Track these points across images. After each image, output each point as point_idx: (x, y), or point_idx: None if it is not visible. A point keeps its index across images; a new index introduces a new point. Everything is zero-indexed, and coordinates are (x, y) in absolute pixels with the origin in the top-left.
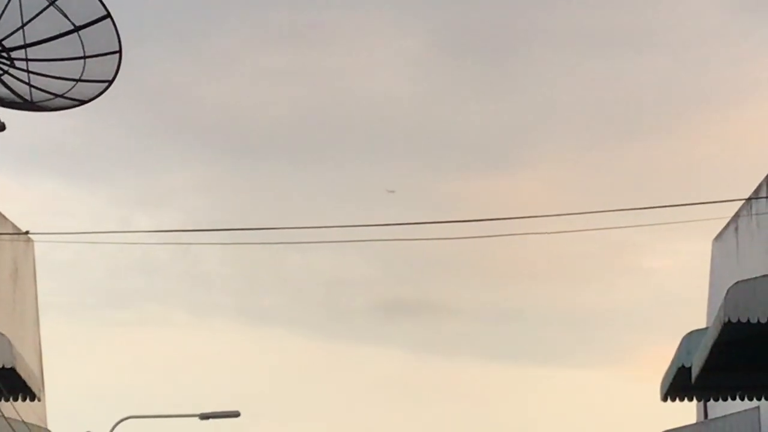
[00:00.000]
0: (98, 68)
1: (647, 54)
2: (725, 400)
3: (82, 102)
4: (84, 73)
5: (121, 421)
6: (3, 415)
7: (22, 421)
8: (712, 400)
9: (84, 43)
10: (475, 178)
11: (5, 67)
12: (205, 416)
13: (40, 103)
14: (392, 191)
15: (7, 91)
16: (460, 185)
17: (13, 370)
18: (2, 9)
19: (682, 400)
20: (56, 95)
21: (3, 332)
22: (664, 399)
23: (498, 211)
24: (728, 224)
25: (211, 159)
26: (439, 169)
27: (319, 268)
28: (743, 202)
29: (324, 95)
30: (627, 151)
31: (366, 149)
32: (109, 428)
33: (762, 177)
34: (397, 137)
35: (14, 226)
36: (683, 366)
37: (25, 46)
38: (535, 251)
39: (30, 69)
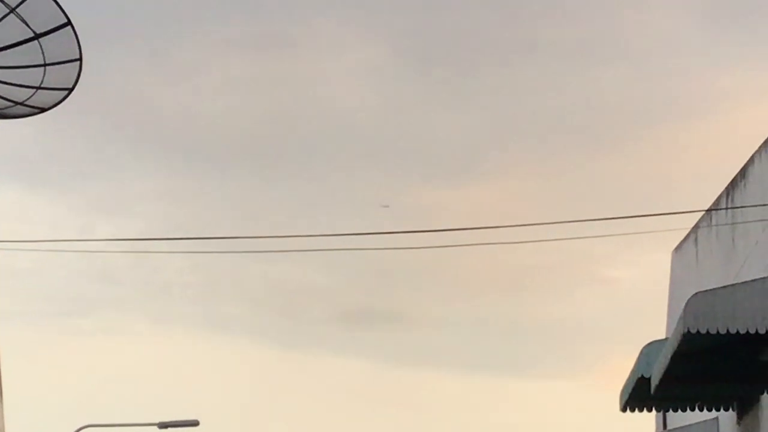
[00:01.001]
0: (59, 76)
1: (609, 65)
2: (684, 410)
3: (43, 110)
4: (44, 81)
5: (80, 429)
6: None
7: None
8: (671, 411)
9: (44, 51)
10: (439, 188)
11: None
12: (163, 425)
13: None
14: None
15: None
16: (423, 195)
17: None
18: None
19: (641, 410)
20: (16, 103)
21: None
22: (624, 409)
23: (461, 221)
24: (688, 235)
25: (173, 167)
26: (402, 178)
27: (281, 278)
28: (703, 213)
29: (287, 104)
30: (589, 161)
31: (329, 159)
32: None
33: (722, 188)
34: (360, 147)
35: None
36: (642, 376)
37: None
38: (498, 262)
39: None
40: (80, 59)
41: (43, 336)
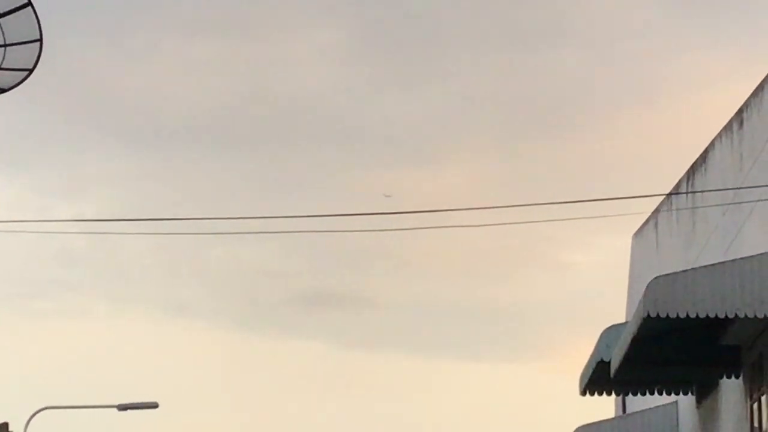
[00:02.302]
0: (18, 56)
1: (571, 49)
2: (644, 394)
3: (2, 90)
4: (3, 62)
5: (38, 411)
6: None
7: None
8: (630, 395)
9: (4, 31)
10: (397, 171)
11: None
12: (123, 407)
13: None
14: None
15: None
16: (382, 178)
17: None
18: None
19: (600, 394)
20: None
21: None
22: (583, 393)
23: (420, 204)
24: (648, 220)
25: (132, 149)
26: (361, 161)
27: (240, 260)
28: (663, 197)
29: (246, 86)
30: (549, 145)
31: (288, 141)
32: (26, 419)
33: (682, 173)
34: (319, 129)
35: None
36: (602, 360)
37: None
38: (458, 245)
39: None
40: (41, 40)
41: (0, 318)
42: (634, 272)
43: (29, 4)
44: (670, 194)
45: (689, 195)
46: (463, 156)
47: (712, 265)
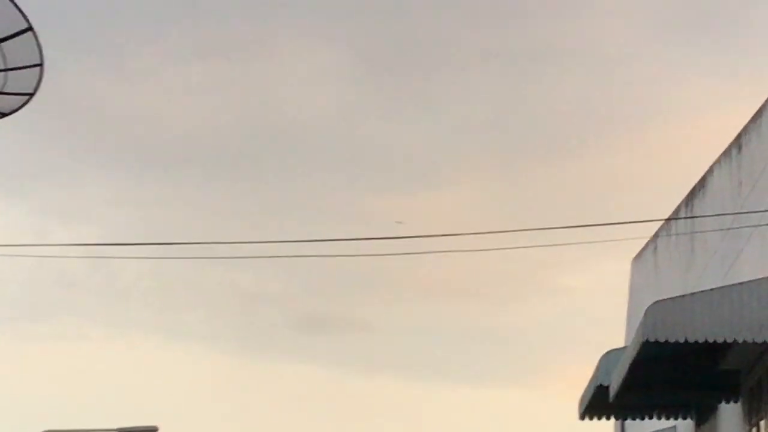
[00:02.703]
0: (19, 81)
1: (568, 73)
2: (643, 419)
3: (3, 114)
4: (5, 86)
5: None
6: None
7: None
8: (630, 419)
9: (5, 56)
10: (396, 195)
11: None
12: (123, 431)
13: None
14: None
15: None
16: (381, 202)
17: None
18: None
19: (600, 418)
20: None
21: None
22: (582, 418)
23: (420, 229)
24: (647, 244)
25: (131, 173)
26: (359, 185)
27: (239, 284)
28: (662, 222)
29: (245, 109)
30: (549, 170)
31: (288, 164)
32: None
33: (681, 198)
34: (318, 152)
35: None
36: (601, 385)
37: None
38: (455, 269)
39: None
40: (41, 64)
41: None
42: (633, 297)
43: (30, 28)
44: (669, 219)
45: (688, 220)
46: (463, 180)
47: (711, 289)
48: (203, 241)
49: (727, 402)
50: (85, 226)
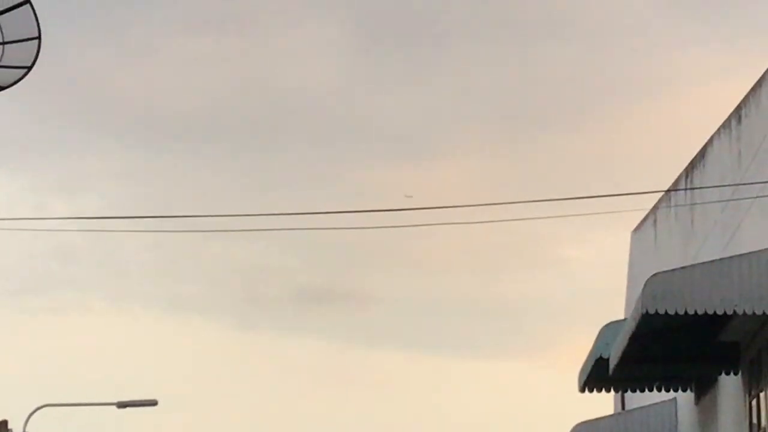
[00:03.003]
0: (17, 54)
1: (570, 44)
2: (642, 391)
3: (1, 88)
4: (2, 59)
5: (38, 409)
6: None
7: None
8: (629, 391)
9: (2, 29)
10: (395, 167)
11: None
12: (122, 405)
13: None
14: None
15: None
16: (380, 175)
17: None
18: None
19: (600, 391)
20: None
21: None
22: (582, 390)
23: (420, 201)
24: (647, 216)
25: (130, 146)
26: (358, 158)
27: (238, 257)
28: (662, 194)
29: (243, 83)
30: (547, 141)
31: (287, 137)
32: (25, 417)
33: (681, 169)
34: (317, 125)
35: None
36: (601, 357)
37: None
38: (455, 241)
39: None
40: (39, 37)
41: None
42: (633, 269)
43: (28, 1)
44: (668, 191)
45: (688, 191)
46: (462, 152)
47: (711, 261)
48: (202, 214)
49: (727, 374)
50: (84, 199)
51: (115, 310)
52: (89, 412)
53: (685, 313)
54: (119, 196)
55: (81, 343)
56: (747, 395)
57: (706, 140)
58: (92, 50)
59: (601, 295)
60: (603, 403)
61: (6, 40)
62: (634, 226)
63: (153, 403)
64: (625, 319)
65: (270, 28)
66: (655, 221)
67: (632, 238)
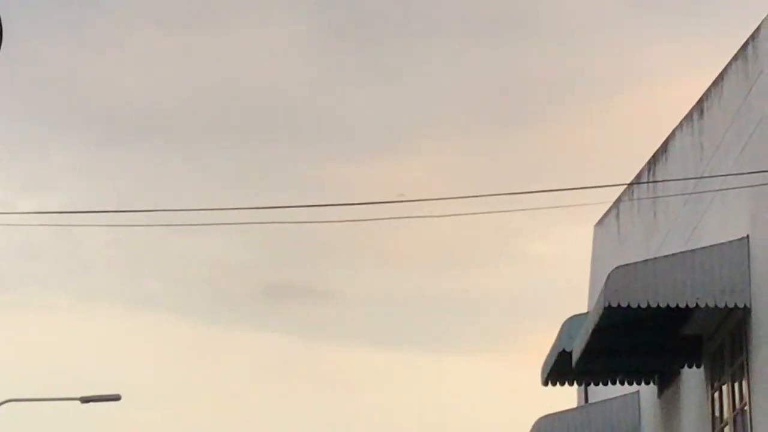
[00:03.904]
0: None
1: (532, 39)
2: (605, 384)
3: None
4: None
5: (1, 404)
6: None
7: None
8: (592, 385)
9: None
10: (361, 162)
11: None
12: (86, 400)
13: None
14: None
15: None
16: (345, 169)
17: None
18: None
19: (563, 384)
20: None
21: None
22: (545, 383)
23: (384, 196)
24: (610, 209)
25: (95, 142)
26: (324, 153)
27: (204, 253)
28: (625, 187)
29: (209, 78)
30: (511, 136)
31: (252, 132)
32: None
33: (644, 162)
34: (282, 121)
35: None
36: (564, 350)
37: None
38: (421, 236)
39: None
40: (0, 31)
41: None
42: (595, 262)
43: None
44: (631, 184)
45: (650, 185)
46: (427, 147)
47: (673, 254)
48: (167, 208)
49: (690, 367)
50: (48, 195)
51: (79, 305)
52: (53, 407)
53: (648, 306)
54: (84, 193)
55: (45, 339)
56: (710, 388)
57: (668, 134)
58: (57, 44)
59: (566, 289)
60: (566, 396)
61: None
62: (598, 219)
63: (116, 398)
64: (588, 313)
65: (236, 23)
66: (617, 215)
67: (595, 231)
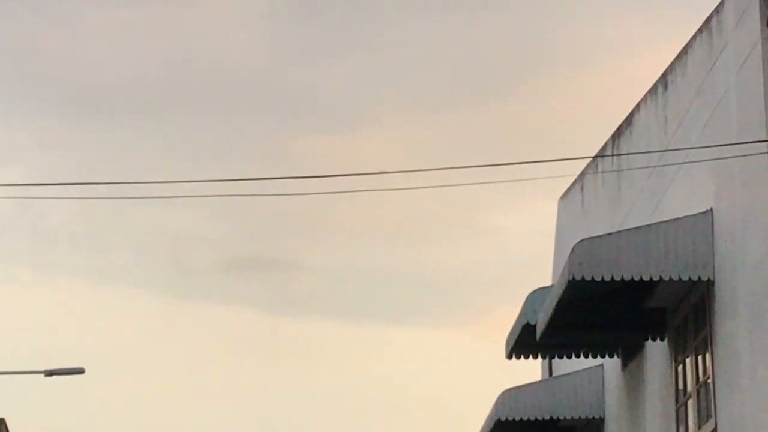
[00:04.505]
0: None
1: (493, 12)
2: (570, 357)
3: None
4: None
5: None
6: None
7: None
8: (557, 358)
9: None
10: (325, 136)
11: None
12: (49, 373)
13: None
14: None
15: None
16: (310, 143)
17: None
18: None
19: (527, 357)
20: None
21: None
22: (509, 356)
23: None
24: (574, 183)
25: (57, 114)
26: (289, 127)
27: (167, 226)
28: (589, 160)
29: (173, 51)
30: (475, 110)
31: (214, 106)
32: None
33: (608, 136)
34: (245, 94)
35: None
36: (528, 324)
37: None
38: (384, 210)
39: None
40: None
41: None
42: (560, 236)
43: None
44: (595, 157)
45: (615, 158)
46: (389, 121)
47: (638, 228)
48: (130, 181)
49: (654, 340)
50: (10, 168)
51: (42, 279)
52: (17, 381)
53: (612, 279)
54: (47, 166)
55: (8, 313)
56: (673, 361)
57: (633, 107)
58: (17, 20)
59: (531, 263)
60: (531, 370)
61: None
62: (562, 193)
63: (80, 371)
64: (552, 286)
65: None
66: (582, 188)
67: (559, 205)
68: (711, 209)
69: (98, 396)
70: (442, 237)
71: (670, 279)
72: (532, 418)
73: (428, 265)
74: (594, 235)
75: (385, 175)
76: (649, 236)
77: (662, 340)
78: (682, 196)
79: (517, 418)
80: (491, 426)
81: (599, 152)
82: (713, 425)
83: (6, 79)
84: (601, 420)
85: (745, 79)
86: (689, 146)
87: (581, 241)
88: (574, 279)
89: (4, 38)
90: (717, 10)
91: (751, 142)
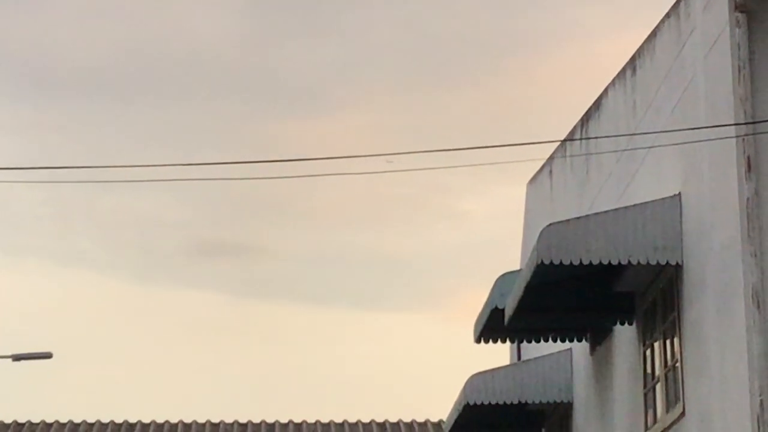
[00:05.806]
0: None
1: None
2: (538, 341)
3: None
4: None
5: None
6: None
7: None
8: (525, 342)
9: None
10: (294, 119)
11: None
12: (17, 357)
13: None
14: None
15: None
16: (278, 127)
17: None
18: None
19: (495, 341)
20: None
21: None
22: (478, 341)
23: (314, 153)
24: (543, 167)
25: (21, 97)
26: (257, 110)
27: (134, 210)
28: (558, 144)
29: (142, 33)
30: (443, 93)
31: (185, 89)
32: None
33: (577, 119)
34: (216, 77)
35: None
36: (497, 308)
37: None
38: (351, 193)
39: None
40: None
41: None
42: (528, 220)
43: None
44: (564, 141)
45: (583, 141)
46: (358, 105)
47: (606, 212)
48: (96, 165)
49: (622, 324)
50: None
51: (8, 263)
52: None
53: (580, 263)
54: (10, 149)
55: None
56: (641, 345)
57: (601, 91)
58: None
59: (499, 247)
60: (499, 354)
61: None
62: (530, 177)
63: (48, 355)
64: (520, 270)
65: None
66: (550, 172)
67: (528, 189)
68: (679, 193)
69: (66, 381)
70: (410, 221)
71: (639, 263)
72: (501, 402)
73: (395, 248)
74: (562, 219)
75: (355, 158)
76: (617, 220)
77: (630, 324)
78: (650, 180)
79: (486, 402)
80: (460, 410)
81: (568, 136)
82: (681, 409)
83: None
84: (570, 404)
85: (713, 63)
86: (658, 130)
87: (549, 225)
88: (542, 263)
89: None
90: None
91: (719, 125)
